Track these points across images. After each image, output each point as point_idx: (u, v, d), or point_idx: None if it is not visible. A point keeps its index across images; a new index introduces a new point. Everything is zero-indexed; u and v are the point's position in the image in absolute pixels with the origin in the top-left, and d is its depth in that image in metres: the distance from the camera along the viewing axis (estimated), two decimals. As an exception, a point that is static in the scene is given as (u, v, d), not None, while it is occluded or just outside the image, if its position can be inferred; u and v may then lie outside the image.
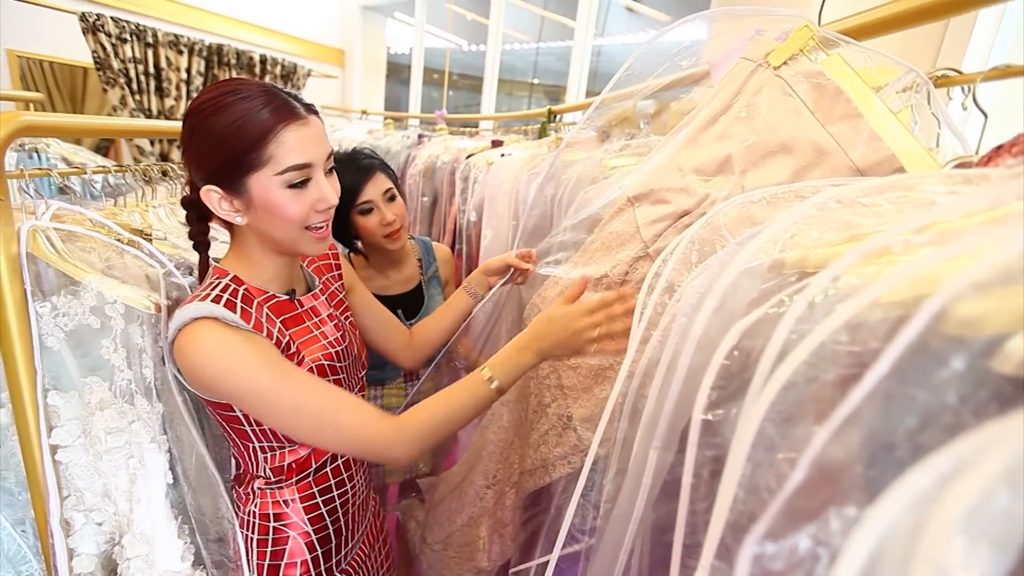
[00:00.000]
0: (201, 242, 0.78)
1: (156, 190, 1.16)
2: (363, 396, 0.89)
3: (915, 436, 0.24)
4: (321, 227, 0.72)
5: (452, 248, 1.95)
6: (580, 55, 3.11)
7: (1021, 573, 0.18)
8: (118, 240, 0.79)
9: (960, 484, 0.19)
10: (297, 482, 0.78)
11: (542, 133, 2.09)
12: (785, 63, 0.68)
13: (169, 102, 3.17)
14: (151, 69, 3.05)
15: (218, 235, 0.94)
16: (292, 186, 0.67)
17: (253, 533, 0.78)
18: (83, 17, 2.71)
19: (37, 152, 1.95)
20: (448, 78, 5.46)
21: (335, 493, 0.81)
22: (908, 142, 0.60)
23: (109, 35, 2.81)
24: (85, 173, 1.07)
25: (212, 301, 0.66)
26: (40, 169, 1.01)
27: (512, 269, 1.02)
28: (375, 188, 1.15)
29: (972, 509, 0.18)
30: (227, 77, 3.39)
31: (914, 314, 0.23)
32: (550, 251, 0.97)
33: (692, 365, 0.42)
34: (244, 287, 0.71)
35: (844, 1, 0.95)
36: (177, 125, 0.72)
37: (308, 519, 0.79)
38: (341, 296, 0.93)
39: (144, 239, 0.83)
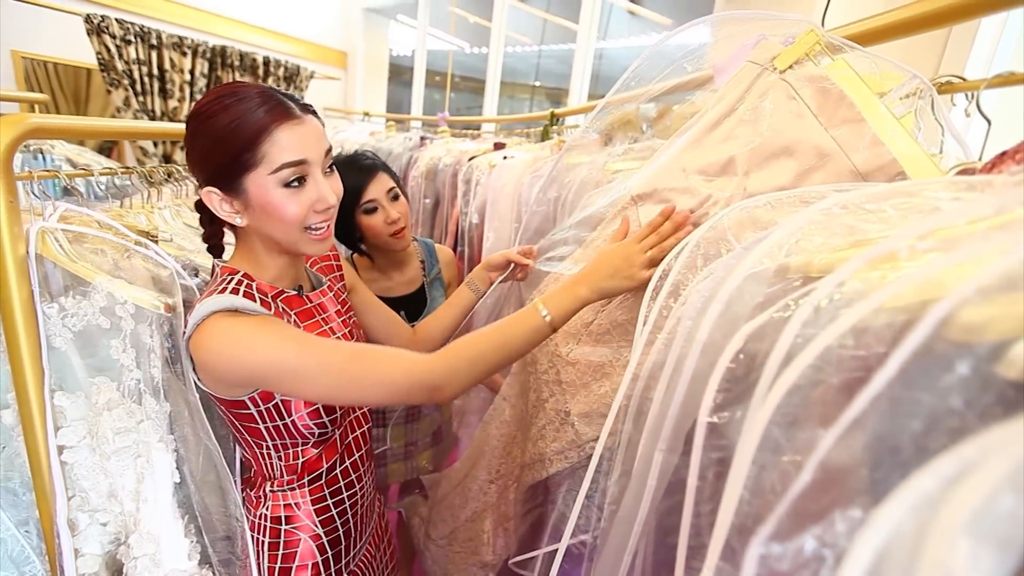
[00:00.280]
0: (215, 245, 0.78)
1: (161, 192, 1.16)
2: None
3: (920, 439, 0.24)
4: (321, 228, 0.72)
5: (454, 250, 1.95)
6: (582, 58, 3.11)
7: (1025, 575, 0.18)
8: (126, 241, 0.80)
9: (965, 487, 0.19)
10: (309, 484, 0.78)
11: (544, 136, 2.10)
12: (790, 67, 0.69)
13: (173, 104, 3.18)
14: (155, 71, 3.06)
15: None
16: (288, 185, 0.67)
17: (264, 536, 0.78)
18: (88, 18, 2.72)
19: (42, 153, 1.96)
20: (450, 80, 5.46)
21: (345, 495, 0.81)
22: (911, 147, 0.60)
23: (113, 36, 2.82)
24: (93, 175, 1.08)
25: (231, 293, 0.67)
26: (48, 171, 1.01)
27: (513, 264, 1.03)
28: (378, 187, 1.16)
29: (977, 512, 0.18)
30: (230, 79, 3.42)
31: (920, 319, 0.24)
32: (552, 248, 0.98)
33: (697, 368, 0.42)
34: (255, 283, 0.72)
35: (846, 8, 0.96)
36: (182, 127, 0.73)
37: (319, 521, 0.79)
38: (344, 296, 0.93)
39: (150, 240, 0.84)
